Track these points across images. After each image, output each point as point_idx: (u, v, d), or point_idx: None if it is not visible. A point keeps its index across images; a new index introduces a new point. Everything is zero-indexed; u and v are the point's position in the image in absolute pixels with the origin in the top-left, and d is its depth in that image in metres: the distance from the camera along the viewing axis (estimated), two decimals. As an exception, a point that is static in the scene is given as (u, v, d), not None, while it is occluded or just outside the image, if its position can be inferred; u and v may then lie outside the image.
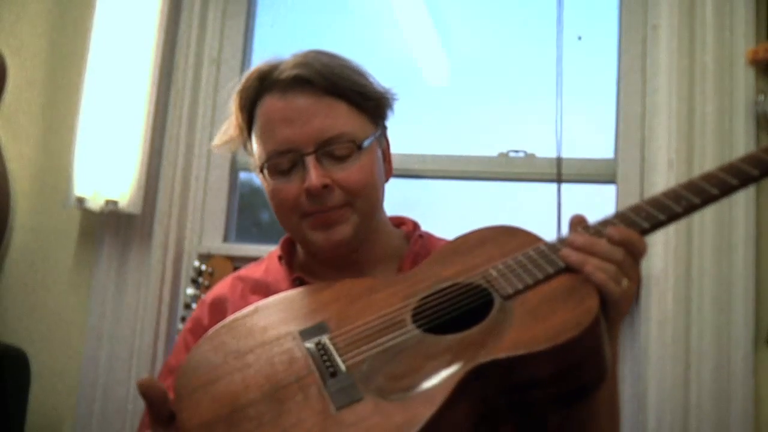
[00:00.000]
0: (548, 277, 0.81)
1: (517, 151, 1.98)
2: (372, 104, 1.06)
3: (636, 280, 0.82)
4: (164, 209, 1.96)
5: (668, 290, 1.68)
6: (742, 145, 1.69)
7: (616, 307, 0.79)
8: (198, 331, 1.08)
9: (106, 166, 1.94)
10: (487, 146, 2.01)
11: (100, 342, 1.94)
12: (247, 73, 1.08)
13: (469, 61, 2.14)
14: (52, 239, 2.07)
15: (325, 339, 0.83)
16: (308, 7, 2.26)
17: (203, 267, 1.85)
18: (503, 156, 1.98)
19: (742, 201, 1.67)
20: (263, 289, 1.08)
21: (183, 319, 1.82)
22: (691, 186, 0.82)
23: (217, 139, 1.12)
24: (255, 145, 1.06)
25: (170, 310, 1.93)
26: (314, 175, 0.98)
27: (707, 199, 0.81)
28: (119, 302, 1.96)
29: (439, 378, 0.73)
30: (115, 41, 1.99)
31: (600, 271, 0.78)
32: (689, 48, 1.76)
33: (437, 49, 2.19)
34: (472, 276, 0.86)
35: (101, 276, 1.98)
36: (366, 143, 1.03)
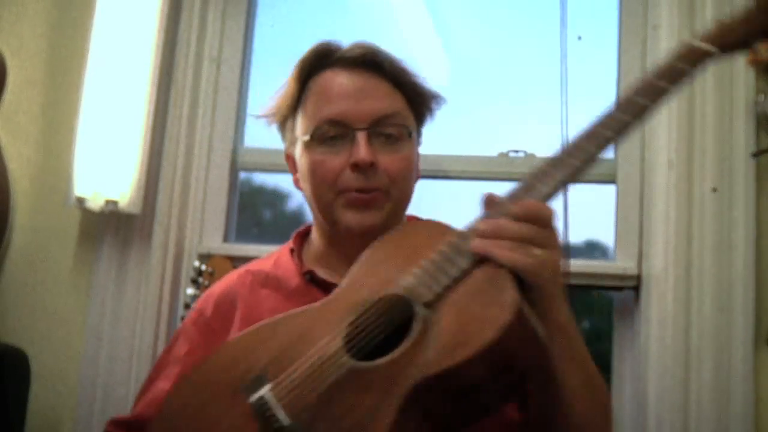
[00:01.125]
0: (465, 273, 0.80)
1: (517, 151, 1.98)
2: (421, 102, 1.10)
3: (554, 246, 0.81)
4: (164, 209, 1.96)
5: (668, 290, 1.68)
6: (742, 145, 1.70)
7: (539, 279, 0.79)
8: (200, 323, 1.09)
9: (106, 166, 1.94)
10: (487, 146, 2.01)
11: (100, 342, 1.94)
12: (310, 48, 1.10)
13: (469, 61, 2.14)
14: (52, 239, 2.07)
15: (265, 392, 0.81)
16: (308, 7, 2.26)
17: (203, 267, 1.85)
18: (503, 156, 1.98)
19: (741, 201, 1.67)
20: (273, 283, 1.08)
21: (183, 320, 1.81)
22: (587, 136, 0.83)
23: (265, 110, 1.13)
24: (302, 115, 1.07)
25: (170, 310, 1.92)
26: (364, 150, 1.00)
27: (603, 145, 0.82)
28: (119, 302, 1.96)
29: (378, 411, 0.74)
30: (115, 41, 1.98)
31: (508, 253, 0.78)
32: (689, 48, 1.75)
33: (437, 49, 2.19)
34: (393, 287, 0.84)
35: (101, 276, 1.98)
36: (413, 133, 1.08)
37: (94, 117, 1.97)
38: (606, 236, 1.91)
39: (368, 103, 1.03)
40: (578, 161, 0.82)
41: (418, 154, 1.12)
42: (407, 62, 1.10)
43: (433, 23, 2.18)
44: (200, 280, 1.84)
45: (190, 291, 1.83)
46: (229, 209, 2.08)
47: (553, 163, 0.84)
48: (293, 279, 1.08)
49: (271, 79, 2.17)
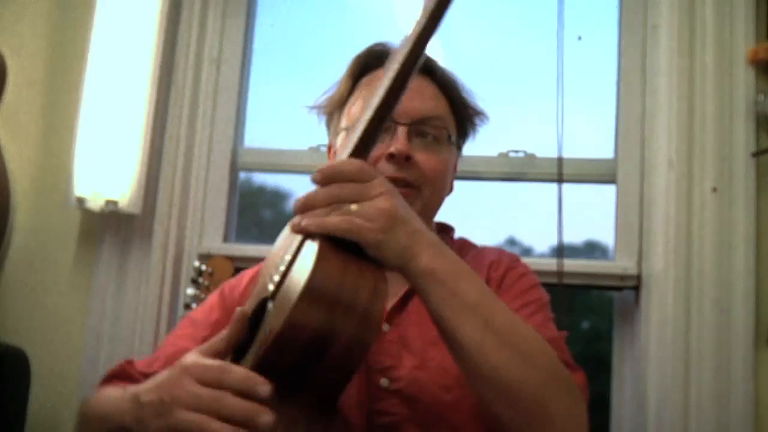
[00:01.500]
0: (294, 255, 0.78)
1: (517, 151, 1.98)
2: (465, 114, 1.13)
3: (368, 196, 0.77)
4: (164, 209, 1.96)
5: (668, 290, 1.68)
6: (742, 145, 1.70)
7: (363, 235, 0.75)
8: (228, 299, 1.10)
9: (106, 166, 1.94)
10: (487, 146, 2.00)
11: (100, 342, 1.94)
12: (368, 46, 1.12)
13: (469, 61, 2.14)
14: (52, 239, 2.07)
15: None
16: (308, 7, 2.26)
17: (203, 267, 1.85)
18: (503, 156, 1.98)
19: (741, 201, 1.67)
20: None
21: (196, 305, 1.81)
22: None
23: (318, 101, 1.15)
24: (349, 107, 1.09)
25: (170, 310, 1.92)
26: (402, 142, 1.02)
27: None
28: (119, 302, 1.96)
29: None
30: (115, 41, 1.98)
31: (317, 221, 0.76)
32: (689, 48, 1.76)
33: (437, 49, 2.19)
34: (262, 292, 0.84)
35: (101, 276, 1.98)
36: (453, 138, 1.09)
37: (94, 117, 1.97)
38: (606, 236, 1.91)
39: (414, 102, 1.04)
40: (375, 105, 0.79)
41: (455, 166, 1.13)
42: (458, 77, 1.14)
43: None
44: (200, 280, 1.84)
45: (190, 291, 1.83)
46: (229, 209, 2.08)
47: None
48: None
49: (271, 79, 2.18)
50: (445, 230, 1.18)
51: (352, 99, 1.10)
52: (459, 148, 1.14)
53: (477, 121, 1.16)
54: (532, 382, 0.79)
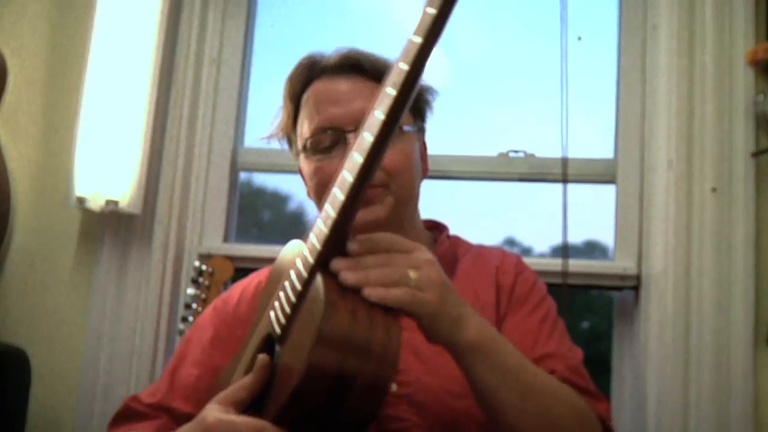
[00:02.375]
0: (300, 297, 0.76)
1: (517, 151, 1.98)
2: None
3: (421, 264, 0.76)
4: (164, 209, 1.96)
5: (668, 290, 1.68)
6: (741, 145, 1.70)
7: (425, 306, 0.75)
8: (223, 312, 1.11)
9: (106, 166, 1.94)
10: (487, 146, 2.01)
11: (100, 342, 1.94)
12: (296, 64, 1.12)
13: (469, 61, 2.14)
14: (52, 239, 2.07)
15: None
16: (308, 7, 2.26)
17: (203, 267, 1.85)
18: (503, 156, 1.99)
19: (741, 201, 1.67)
20: None
21: (183, 319, 1.81)
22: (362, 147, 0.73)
23: (268, 131, 1.16)
24: (299, 129, 1.10)
25: (170, 310, 1.93)
26: None
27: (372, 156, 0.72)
28: (119, 302, 1.96)
29: None
30: (115, 41, 1.98)
31: (384, 293, 0.73)
32: (689, 48, 1.76)
33: (437, 49, 2.19)
34: (266, 324, 0.83)
35: (101, 276, 1.98)
36: (405, 128, 1.07)
37: (95, 117, 1.97)
38: (606, 236, 1.91)
39: (354, 106, 1.04)
40: (344, 194, 0.74)
41: (420, 150, 1.13)
42: (391, 60, 1.10)
43: (433, 23, 2.18)
44: (200, 280, 1.84)
45: (191, 291, 1.83)
46: (229, 209, 2.08)
47: (341, 184, 0.75)
48: None
49: (271, 79, 2.18)
50: (437, 228, 1.18)
51: (300, 119, 1.10)
52: (420, 129, 1.14)
53: (426, 96, 1.14)
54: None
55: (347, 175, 0.74)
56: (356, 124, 1.02)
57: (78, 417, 1.91)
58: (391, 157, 1.03)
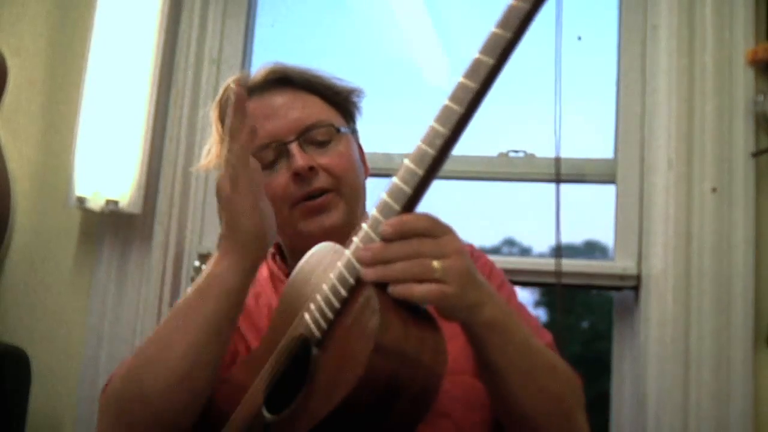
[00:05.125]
0: (344, 303, 0.76)
1: (516, 151, 1.98)
2: (342, 99, 1.13)
3: (449, 255, 0.75)
4: (164, 209, 1.96)
5: (668, 290, 1.68)
6: (741, 145, 1.70)
7: (446, 296, 0.74)
8: None
9: (106, 166, 1.94)
10: (487, 146, 2.01)
11: (100, 342, 1.94)
12: (221, 87, 1.15)
13: (469, 61, 2.14)
14: (52, 239, 2.07)
15: None
16: (308, 7, 2.26)
17: (203, 267, 1.85)
18: (503, 156, 1.98)
19: (741, 201, 1.67)
20: (276, 282, 1.13)
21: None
22: (428, 136, 0.76)
23: (202, 160, 1.17)
24: None
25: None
26: (299, 158, 1.04)
27: (459, 121, 0.74)
28: (119, 302, 1.96)
29: None
30: (115, 41, 1.99)
31: (413, 288, 0.72)
32: (689, 48, 1.76)
33: (437, 49, 2.19)
34: (298, 325, 0.83)
35: (101, 276, 1.98)
36: (343, 129, 1.10)
37: (95, 117, 1.97)
38: (606, 236, 1.91)
39: (290, 116, 1.07)
40: (434, 150, 0.75)
41: (358, 150, 1.15)
42: (316, 68, 1.14)
43: (433, 23, 2.18)
44: (200, 280, 1.84)
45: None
46: (229, 209, 2.07)
47: (414, 159, 0.76)
48: (281, 281, 1.12)
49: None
50: None
51: None
52: (353, 130, 1.15)
53: (354, 98, 1.16)
54: (564, 412, 0.88)
55: (404, 187, 0.75)
56: (296, 133, 1.06)
57: (78, 417, 1.91)
58: (335, 160, 1.06)
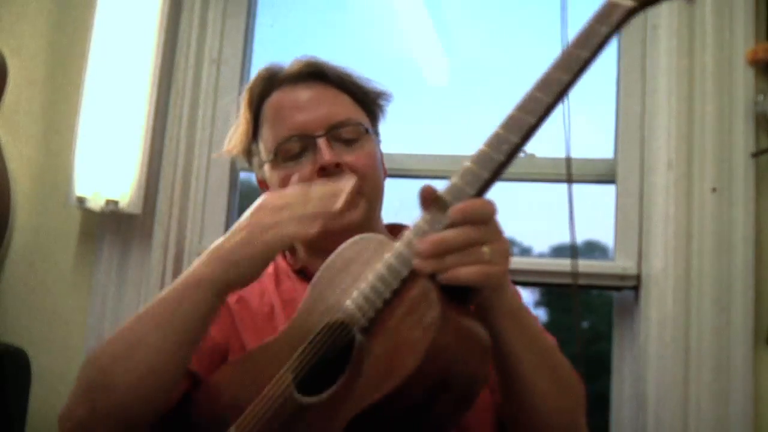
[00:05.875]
0: (396, 292, 0.77)
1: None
2: (370, 100, 1.14)
3: (497, 237, 0.77)
4: (164, 209, 1.96)
5: (668, 290, 1.68)
6: (741, 145, 1.70)
7: (488, 279, 0.76)
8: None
9: (106, 166, 1.94)
10: (487, 146, 2.00)
11: (100, 342, 1.94)
12: (254, 75, 1.15)
13: (469, 61, 2.14)
14: (52, 239, 2.07)
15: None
16: (308, 7, 2.26)
17: (203, 267, 1.85)
18: (503, 156, 1.98)
19: (741, 201, 1.67)
20: (282, 277, 1.13)
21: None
22: (508, 122, 0.79)
23: (225, 145, 1.17)
24: (262, 139, 1.11)
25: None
26: (327, 153, 1.04)
27: (528, 131, 0.77)
28: (119, 302, 1.96)
29: None
30: (115, 41, 1.99)
31: (458, 268, 0.74)
32: (689, 48, 1.76)
33: (437, 49, 2.19)
34: (336, 312, 0.84)
35: (101, 276, 1.98)
36: (369, 130, 1.11)
37: (95, 117, 1.97)
38: (606, 236, 1.91)
39: (321, 111, 1.07)
40: (502, 155, 0.78)
41: (381, 152, 1.15)
42: (349, 68, 1.15)
43: (433, 23, 2.18)
44: (200, 280, 1.84)
45: (191, 291, 1.83)
46: (229, 209, 2.08)
47: (477, 158, 0.80)
48: (288, 278, 1.12)
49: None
50: (397, 229, 1.17)
51: (263, 128, 1.12)
52: (376, 132, 1.16)
53: (381, 102, 1.17)
54: (570, 409, 0.90)
55: (481, 171, 0.79)
56: (325, 128, 1.06)
57: (78, 417, 1.91)
58: (361, 159, 1.07)
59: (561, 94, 0.76)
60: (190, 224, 1.98)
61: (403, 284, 0.77)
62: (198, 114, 2.03)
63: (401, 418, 0.74)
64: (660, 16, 1.82)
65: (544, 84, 0.76)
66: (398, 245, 0.79)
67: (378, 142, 1.16)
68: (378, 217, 1.13)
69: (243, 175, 2.15)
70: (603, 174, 1.92)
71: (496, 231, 0.78)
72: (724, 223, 1.67)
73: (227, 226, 2.06)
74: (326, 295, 0.88)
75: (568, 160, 1.82)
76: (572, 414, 0.91)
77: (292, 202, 0.84)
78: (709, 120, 1.71)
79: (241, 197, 2.14)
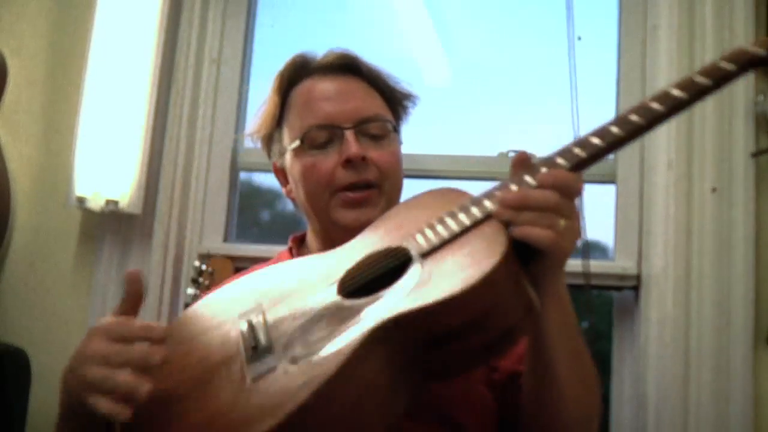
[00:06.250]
0: (465, 230, 0.80)
1: (517, 151, 1.97)
2: (397, 100, 1.15)
3: (575, 218, 0.80)
4: (164, 209, 1.96)
5: (668, 290, 1.68)
6: (741, 145, 1.70)
7: (556, 251, 0.78)
8: None
9: (106, 166, 1.94)
10: (487, 146, 2.01)
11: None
12: (286, 61, 1.15)
13: (470, 62, 2.14)
14: (52, 239, 2.07)
15: (255, 318, 0.85)
16: (308, 7, 2.26)
17: (203, 267, 1.85)
18: (503, 156, 1.98)
19: (741, 201, 1.68)
20: None
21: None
22: (619, 119, 0.81)
23: (252, 127, 1.17)
24: (288, 125, 1.11)
25: (170, 310, 1.92)
26: (354, 146, 1.04)
27: (635, 131, 0.80)
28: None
29: (346, 340, 0.75)
30: (115, 41, 1.99)
31: (532, 226, 0.76)
32: (689, 48, 1.76)
33: (437, 49, 2.19)
34: (397, 240, 0.87)
35: (101, 276, 1.98)
36: (396, 129, 1.12)
37: (95, 117, 1.97)
38: (606, 236, 1.91)
39: (351, 104, 1.08)
40: (604, 143, 0.81)
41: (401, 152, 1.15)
42: (379, 66, 1.16)
43: (433, 23, 2.18)
44: (200, 280, 1.84)
45: (191, 291, 1.83)
46: (229, 209, 2.08)
47: (580, 142, 0.83)
48: None
49: (271, 79, 2.17)
50: None
51: (289, 114, 1.12)
52: (399, 133, 1.17)
53: (407, 103, 1.18)
54: (589, 404, 0.93)
55: (595, 139, 0.81)
56: (353, 122, 1.06)
57: (78, 417, 1.91)
58: (386, 156, 1.07)
59: (673, 108, 0.80)
60: (190, 224, 1.98)
61: (474, 225, 0.80)
62: (198, 114, 2.03)
63: (425, 342, 0.75)
64: (660, 16, 1.82)
65: (661, 96, 0.80)
66: (479, 194, 0.83)
67: (400, 142, 1.16)
68: None
69: (243, 175, 2.15)
70: (603, 174, 1.92)
71: (575, 211, 0.80)
72: (724, 223, 1.67)
73: (227, 226, 2.06)
74: (387, 228, 0.91)
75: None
76: (590, 410, 0.94)
77: (111, 357, 0.79)
78: (709, 120, 1.71)
79: (241, 197, 2.14)
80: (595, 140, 0.81)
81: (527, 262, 0.78)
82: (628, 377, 1.80)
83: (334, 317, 0.80)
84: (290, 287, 0.89)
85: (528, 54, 2.07)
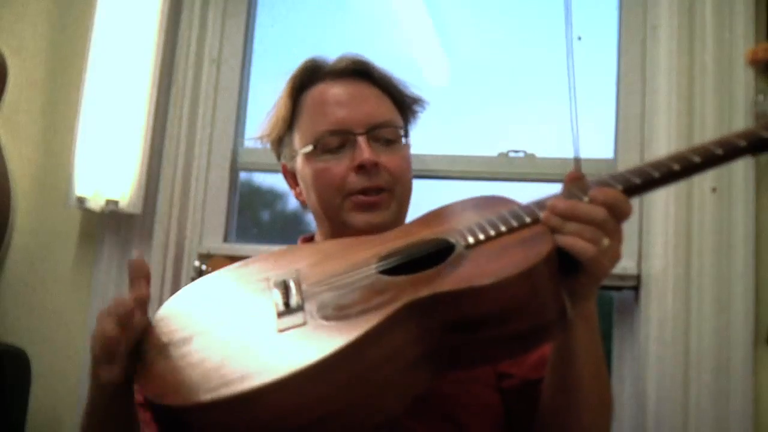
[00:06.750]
0: (511, 230, 0.82)
1: (517, 151, 1.98)
2: (407, 106, 1.16)
3: (619, 240, 0.81)
4: (164, 209, 1.96)
5: (668, 290, 1.68)
6: (741, 145, 1.69)
7: (597, 269, 0.78)
8: None
9: (106, 166, 1.95)
10: (487, 146, 2.01)
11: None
12: (298, 65, 1.16)
13: (469, 61, 2.14)
14: (52, 239, 2.07)
15: (290, 280, 0.87)
16: (308, 7, 2.26)
17: (203, 267, 1.85)
18: (503, 156, 1.98)
19: (741, 201, 1.67)
20: None
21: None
22: (676, 155, 0.84)
23: (262, 129, 1.19)
24: (299, 129, 1.12)
25: None
26: (367, 151, 1.05)
27: (689, 168, 0.83)
28: (119, 302, 1.96)
29: (378, 309, 0.76)
30: (115, 41, 1.99)
31: (576, 237, 0.78)
32: (689, 48, 1.76)
33: (437, 49, 2.19)
34: (442, 233, 0.88)
35: (101, 276, 1.98)
36: (405, 134, 1.13)
37: (95, 117, 1.97)
38: (605, 236, 1.90)
39: (364, 109, 1.08)
40: (658, 173, 0.84)
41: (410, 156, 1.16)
42: (390, 70, 1.17)
43: (433, 23, 2.18)
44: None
45: (191, 291, 1.83)
46: (229, 209, 2.08)
47: (637, 170, 0.86)
48: None
49: (271, 79, 2.18)
50: None
51: (301, 118, 1.12)
52: (408, 137, 1.17)
53: (417, 108, 1.19)
54: (607, 428, 0.96)
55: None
56: (366, 127, 1.07)
57: (78, 417, 1.91)
58: (397, 161, 1.09)
59: (730, 154, 0.86)
60: (190, 224, 1.98)
61: (521, 227, 0.82)
62: (198, 114, 2.03)
63: (456, 324, 0.76)
64: (660, 16, 1.82)
65: (722, 142, 0.86)
66: (528, 201, 0.85)
67: (410, 146, 1.17)
68: (404, 220, 1.13)
69: (243, 175, 2.15)
70: (603, 174, 1.91)
71: (620, 233, 0.81)
72: (724, 223, 1.67)
73: (227, 226, 2.06)
74: (432, 223, 0.93)
75: (577, 161, 1.83)
76: (608, 423, 0.96)
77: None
78: (709, 120, 1.71)
79: (241, 197, 2.15)
80: (652, 171, 0.84)
81: (566, 276, 0.79)
82: (628, 377, 1.80)
83: (370, 290, 0.81)
84: (329, 261, 0.91)
85: (528, 54, 2.07)
